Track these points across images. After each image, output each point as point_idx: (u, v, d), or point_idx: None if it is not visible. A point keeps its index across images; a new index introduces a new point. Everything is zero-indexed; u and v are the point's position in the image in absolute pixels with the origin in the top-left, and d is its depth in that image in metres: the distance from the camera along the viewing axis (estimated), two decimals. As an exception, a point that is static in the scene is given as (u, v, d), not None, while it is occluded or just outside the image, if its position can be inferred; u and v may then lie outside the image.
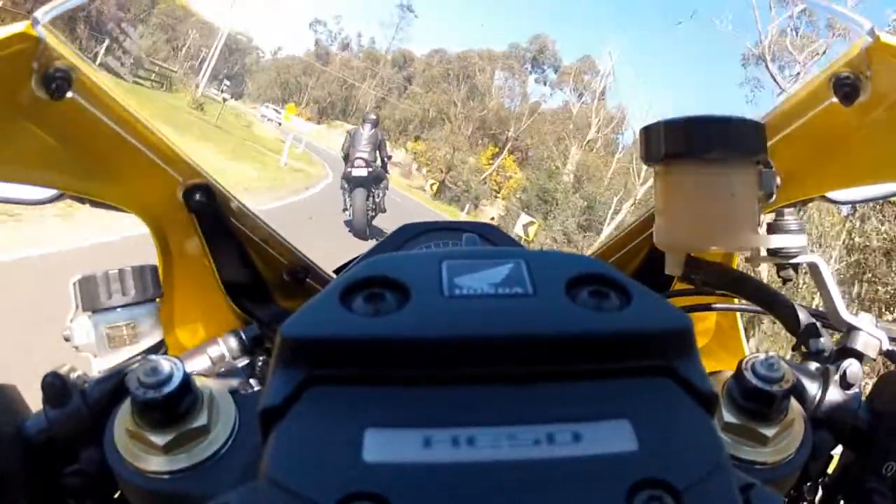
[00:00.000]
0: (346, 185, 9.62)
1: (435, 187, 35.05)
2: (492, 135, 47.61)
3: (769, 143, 0.59)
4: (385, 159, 9.97)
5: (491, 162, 44.37)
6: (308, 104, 53.23)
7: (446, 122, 47.30)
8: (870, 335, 0.59)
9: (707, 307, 0.80)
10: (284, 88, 54.63)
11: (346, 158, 9.69)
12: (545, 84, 52.92)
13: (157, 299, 0.65)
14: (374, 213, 9.77)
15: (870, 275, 8.26)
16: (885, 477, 0.52)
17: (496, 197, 40.88)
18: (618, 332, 0.27)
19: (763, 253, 0.64)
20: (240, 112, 35.53)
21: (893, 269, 8.08)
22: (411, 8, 56.76)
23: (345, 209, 9.80)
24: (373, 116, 10.16)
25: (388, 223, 8.93)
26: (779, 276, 0.68)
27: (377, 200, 9.80)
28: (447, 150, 43.05)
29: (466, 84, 49.53)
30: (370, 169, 9.40)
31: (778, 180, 0.59)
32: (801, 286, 7.82)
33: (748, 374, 0.44)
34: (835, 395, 0.54)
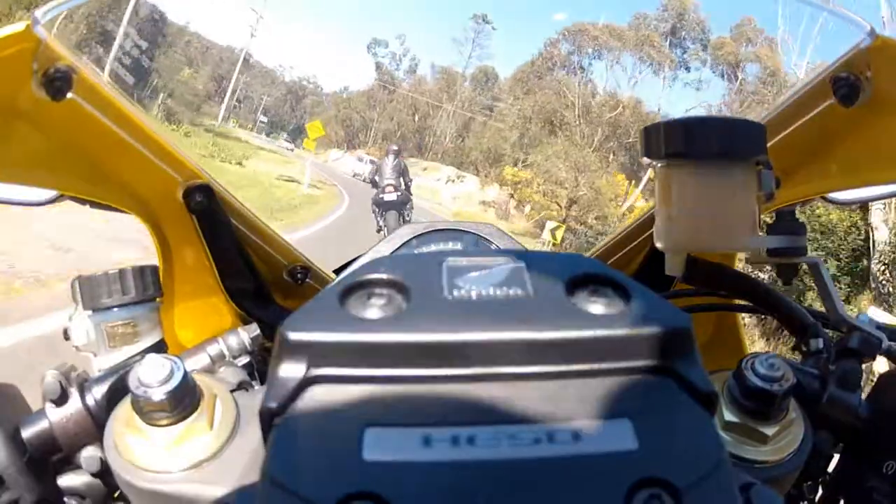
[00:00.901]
0: (377, 209, 10.99)
1: (560, 234, 19.17)
2: (627, 146, 30.83)
3: (769, 144, 0.59)
4: (408, 183, 11.29)
5: (628, 187, 29.31)
6: (376, 142, 42.33)
7: (558, 131, 31.75)
8: (870, 335, 0.59)
9: (707, 307, 0.80)
10: (347, 127, 44.75)
11: (375, 185, 11.08)
12: (686, 69, 35.45)
13: (158, 299, 0.65)
14: (404, 232, 10.85)
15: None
16: (885, 476, 0.52)
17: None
18: (617, 332, 0.27)
19: (763, 253, 0.64)
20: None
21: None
22: (487, 19, 44.94)
23: (378, 230, 11.00)
24: (395, 147, 11.65)
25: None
26: (779, 277, 0.68)
27: (406, 220, 10.82)
28: (567, 174, 27.60)
29: (584, 74, 33.34)
30: (398, 193, 10.75)
31: (778, 181, 0.59)
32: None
33: (748, 374, 0.44)
34: (835, 394, 0.54)
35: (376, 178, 11.08)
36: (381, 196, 10.81)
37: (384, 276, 0.30)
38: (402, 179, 11.00)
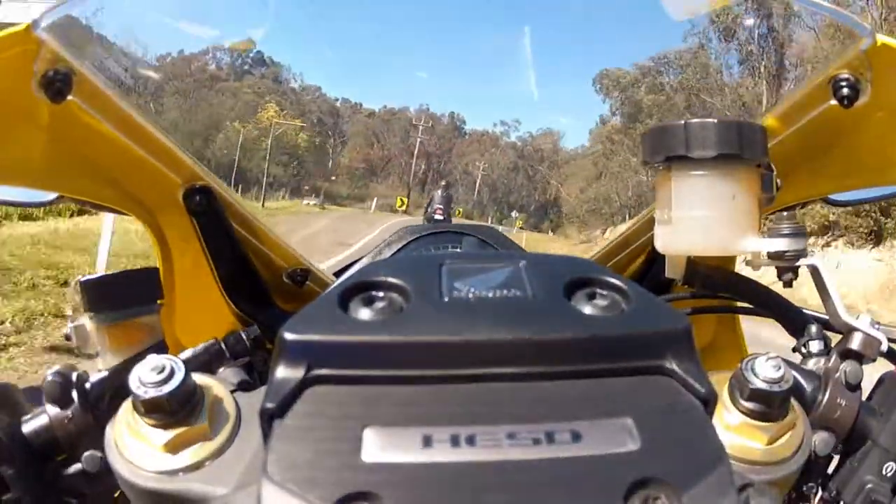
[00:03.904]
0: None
1: None
2: None
3: (769, 145, 0.59)
4: (451, 211, 15.76)
5: None
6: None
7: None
8: (869, 336, 0.59)
9: (708, 309, 0.80)
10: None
11: (429, 206, 15.96)
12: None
13: (158, 300, 0.65)
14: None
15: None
16: (885, 478, 0.52)
17: None
18: (616, 334, 0.27)
19: (763, 256, 0.64)
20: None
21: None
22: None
23: (426, 238, 16.25)
24: (444, 182, 17.66)
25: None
26: (779, 279, 0.68)
27: None
28: None
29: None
30: (444, 216, 15.03)
31: (778, 182, 0.59)
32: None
33: (749, 375, 0.44)
34: (835, 395, 0.54)
35: (431, 203, 16.03)
36: (432, 214, 15.36)
37: (384, 278, 0.30)
38: (448, 207, 15.60)
